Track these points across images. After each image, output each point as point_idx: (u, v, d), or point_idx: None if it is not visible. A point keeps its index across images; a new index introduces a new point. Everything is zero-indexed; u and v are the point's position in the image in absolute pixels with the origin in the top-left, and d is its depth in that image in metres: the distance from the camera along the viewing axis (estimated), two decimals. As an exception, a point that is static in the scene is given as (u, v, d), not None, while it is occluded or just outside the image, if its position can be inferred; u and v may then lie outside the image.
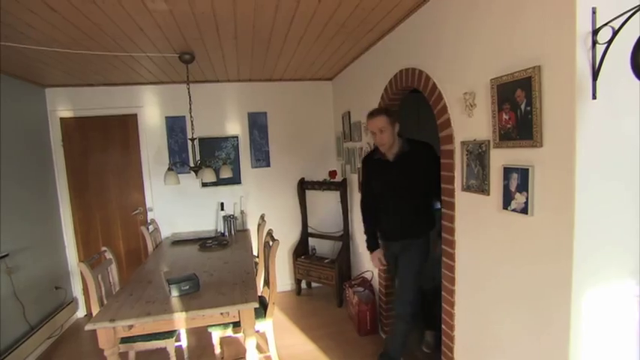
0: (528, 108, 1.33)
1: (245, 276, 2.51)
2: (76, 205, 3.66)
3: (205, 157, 3.79)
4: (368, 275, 3.21)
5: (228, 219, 3.71)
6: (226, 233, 3.68)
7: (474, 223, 1.72)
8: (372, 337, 2.98)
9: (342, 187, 3.63)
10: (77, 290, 3.73)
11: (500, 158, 1.51)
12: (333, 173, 3.75)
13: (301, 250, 4.00)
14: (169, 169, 3.02)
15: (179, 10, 1.89)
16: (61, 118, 3.54)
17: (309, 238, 4.10)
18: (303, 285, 4.06)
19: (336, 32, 2.39)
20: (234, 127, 3.93)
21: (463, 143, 1.74)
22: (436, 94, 1.91)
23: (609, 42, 1.08)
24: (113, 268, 2.60)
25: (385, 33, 2.44)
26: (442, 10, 1.85)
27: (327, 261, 3.73)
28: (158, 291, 2.28)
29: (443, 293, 2.01)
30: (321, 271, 3.68)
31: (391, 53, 2.46)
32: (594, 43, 1.14)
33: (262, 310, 2.52)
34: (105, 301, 2.30)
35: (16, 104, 3.10)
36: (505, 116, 1.46)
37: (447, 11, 1.81)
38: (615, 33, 1.06)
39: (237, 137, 3.94)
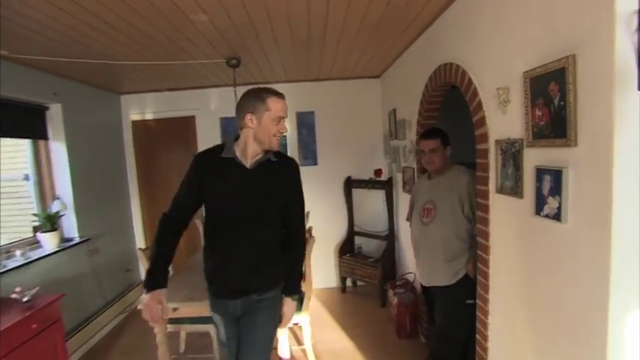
0: (562, 103, 1.21)
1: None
2: (144, 197, 4.10)
3: (256, 155, 3.99)
4: (410, 277, 3.13)
5: (276, 215, 3.87)
6: (275, 228, 3.83)
7: (508, 228, 1.60)
8: (411, 341, 2.90)
9: (387, 186, 3.58)
10: (144, 273, 4.20)
11: (533, 158, 1.39)
12: (378, 172, 3.71)
13: (347, 248, 4.02)
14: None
15: (218, 20, 2.03)
16: (133, 121, 4.01)
17: (355, 237, 4.10)
18: (349, 283, 4.08)
19: (372, 31, 2.37)
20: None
21: (497, 142, 1.63)
22: (472, 89, 1.80)
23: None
24: (169, 256, 2.87)
25: (425, 28, 2.36)
26: (475, 2, 1.74)
27: (371, 260, 3.70)
28: (202, 281, 2.48)
29: (477, 301, 1.90)
30: (364, 269, 3.67)
31: (431, 48, 2.37)
32: (640, 24, 1.00)
33: (299, 303, 2.60)
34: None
35: (100, 110, 3.63)
36: (538, 112, 1.33)
37: (479, 2, 1.70)
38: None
39: (285, 136, 4.08)
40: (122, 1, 1.73)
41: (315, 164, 4.13)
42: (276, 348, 2.35)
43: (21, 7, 1.71)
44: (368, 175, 3.89)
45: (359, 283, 4.08)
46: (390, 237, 3.67)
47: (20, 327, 1.97)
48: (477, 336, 1.93)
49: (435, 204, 2.13)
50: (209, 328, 2.53)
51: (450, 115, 2.72)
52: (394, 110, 3.37)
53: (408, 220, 2.46)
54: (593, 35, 1.08)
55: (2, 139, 2.81)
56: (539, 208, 1.36)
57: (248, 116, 1.51)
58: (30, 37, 2.11)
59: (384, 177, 3.68)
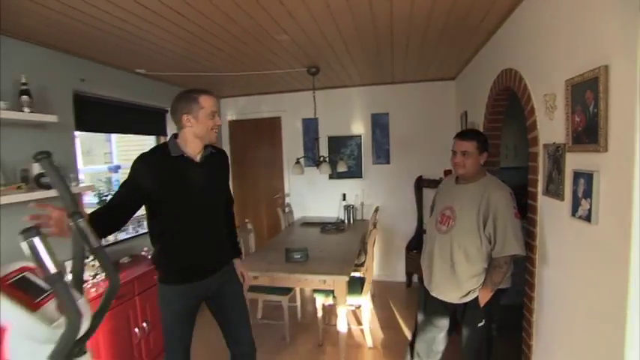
0: (595, 110, 1.28)
1: (347, 256, 2.92)
2: (236, 186, 4.78)
3: (332, 153, 4.36)
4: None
5: (348, 208, 4.19)
6: (345, 221, 4.16)
7: (551, 228, 1.67)
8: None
9: (456, 186, 3.62)
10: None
11: (572, 162, 1.46)
12: (447, 172, 3.76)
13: (414, 245, 4.14)
14: (296, 162, 3.69)
15: (297, 38, 2.41)
16: (229, 121, 4.70)
17: (424, 235, 4.19)
18: (414, 279, 4.20)
19: (437, 39, 2.52)
20: (359, 127, 4.36)
21: (545, 146, 1.69)
22: (526, 95, 1.87)
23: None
24: (252, 237, 3.41)
25: (490, 34, 2.42)
26: (533, 9, 1.81)
27: (436, 258, 3.78)
28: (279, 257, 2.91)
29: (524, 299, 1.96)
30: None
31: (495, 54, 2.42)
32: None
33: (360, 287, 2.89)
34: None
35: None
36: (577, 119, 1.41)
37: (537, 10, 1.77)
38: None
39: (360, 136, 4.37)
40: (223, 29, 2.21)
41: (388, 163, 4.33)
42: (335, 324, 2.66)
43: (155, 40, 2.30)
44: (438, 175, 3.96)
45: (414, 280, 4.17)
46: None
47: (146, 276, 2.63)
48: (523, 333, 1.98)
49: (454, 213, 1.94)
50: (281, 298, 2.98)
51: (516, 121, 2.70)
52: (465, 112, 3.41)
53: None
54: (623, 47, 1.15)
55: (135, 135, 3.65)
56: (574, 209, 1.43)
57: (185, 117, 1.65)
58: (158, 59, 2.76)
59: (453, 178, 3.72)
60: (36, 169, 2.23)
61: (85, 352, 0.99)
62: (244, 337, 1.95)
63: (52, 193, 2.20)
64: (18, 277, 0.85)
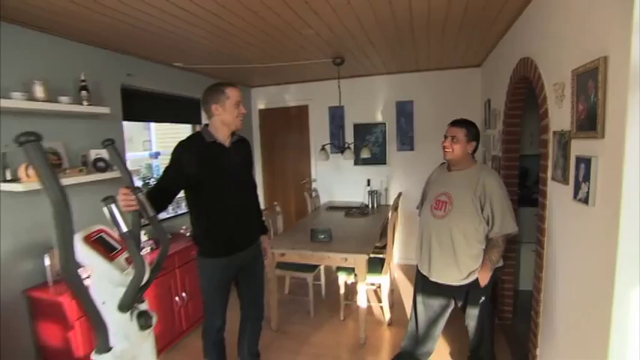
0: (595, 99, 1.37)
1: (369, 238, 3.10)
2: (266, 171, 5.05)
3: (358, 140, 4.50)
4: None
5: (372, 194, 4.34)
6: (369, 205, 4.32)
7: (557, 211, 1.76)
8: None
9: (478, 173, 3.67)
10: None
11: (575, 149, 1.55)
12: (470, 159, 3.80)
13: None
14: (322, 148, 3.87)
15: (322, 32, 2.56)
16: (259, 109, 4.94)
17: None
18: (436, 263, 4.31)
19: (457, 29, 2.58)
20: (384, 114, 4.47)
21: (554, 133, 1.77)
22: (540, 84, 1.93)
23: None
24: (280, 218, 3.65)
25: (510, 23, 2.46)
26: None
27: (457, 243, 3.87)
28: (305, 237, 3.13)
29: (533, 279, 2.06)
30: (450, 251, 3.87)
31: (515, 42, 2.46)
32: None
33: (380, 267, 3.06)
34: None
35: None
36: (580, 107, 1.49)
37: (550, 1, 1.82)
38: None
39: (385, 124, 4.47)
40: (253, 26, 2.39)
41: (412, 150, 4.42)
42: (356, 301, 2.85)
43: (192, 37, 2.53)
44: (461, 162, 4.01)
45: None
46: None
47: (185, 251, 2.94)
48: (532, 312, 2.09)
49: (450, 198, 2.04)
50: (306, 275, 3.21)
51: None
52: (489, 100, 3.43)
53: (418, 208, 2.37)
54: (621, 39, 1.23)
55: (172, 123, 3.95)
56: (575, 193, 1.52)
57: (214, 106, 1.88)
58: (194, 53, 3.00)
59: (475, 164, 3.77)
60: (93, 154, 2.56)
61: (143, 301, 1.24)
62: (258, 304, 2.25)
63: (106, 175, 2.52)
64: (98, 236, 1.10)
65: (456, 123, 2.10)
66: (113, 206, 1.04)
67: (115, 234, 1.15)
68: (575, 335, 1.57)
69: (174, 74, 3.55)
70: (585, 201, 1.43)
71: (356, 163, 4.62)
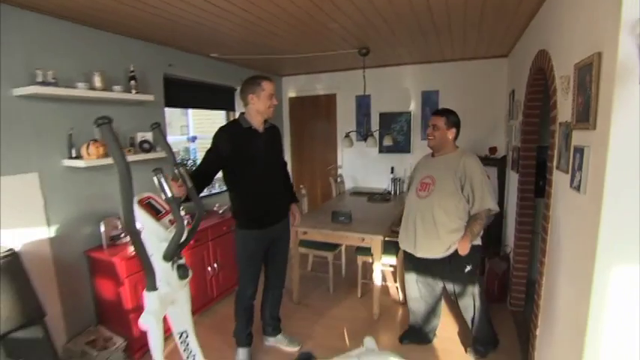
0: (589, 92, 1.46)
1: (387, 221, 3.27)
2: (294, 157, 5.30)
3: (383, 129, 4.63)
4: (507, 249, 3.33)
5: (395, 181, 4.48)
6: (392, 192, 4.46)
7: (559, 198, 1.86)
8: (497, 305, 3.16)
9: (500, 163, 3.72)
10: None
11: (575, 139, 1.64)
12: (493, 149, 3.85)
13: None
14: (346, 135, 4.05)
15: (346, 24, 2.71)
16: (289, 97, 5.17)
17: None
18: (456, 251, 4.40)
19: (479, 19, 2.64)
20: (409, 104, 4.55)
21: (560, 124, 1.85)
22: (552, 76, 2.00)
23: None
24: (305, 200, 3.89)
25: (533, 14, 2.49)
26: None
27: (476, 231, 3.95)
28: (327, 218, 3.35)
29: (537, 264, 2.17)
30: (469, 239, 3.96)
31: (534, 34, 2.50)
32: (646, 30, 1.22)
33: (395, 250, 3.23)
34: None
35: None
36: (580, 100, 1.58)
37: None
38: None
39: (410, 113, 4.56)
40: (282, 20, 2.59)
41: (436, 139, 4.48)
42: (372, 278, 3.05)
43: (226, 31, 2.77)
44: (484, 152, 4.05)
45: None
46: (499, 214, 3.82)
47: (217, 226, 3.25)
48: (535, 296, 2.20)
49: (433, 179, 2.23)
50: (327, 254, 3.45)
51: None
52: (513, 91, 3.45)
53: (404, 192, 2.54)
54: (612, 36, 1.32)
55: (207, 110, 4.26)
56: (572, 181, 1.62)
57: (250, 96, 2.14)
58: (228, 44, 3.25)
59: (498, 154, 3.81)
60: (139, 137, 2.89)
61: (182, 257, 1.51)
62: (281, 274, 2.55)
63: (150, 155, 2.85)
64: (147, 201, 1.37)
65: (436, 112, 2.35)
66: (161, 176, 1.31)
67: (161, 200, 1.41)
68: (568, 315, 1.69)
69: (210, 64, 3.83)
70: (578, 188, 1.54)
71: (380, 151, 4.75)
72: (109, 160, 2.50)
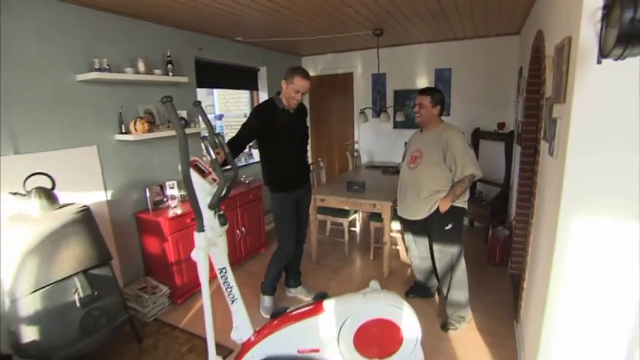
0: (562, 71, 1.70)
1: (396, 190, 3.58)
2: (314, 134, 5.61)
3: (397, 106, 4.86)
4: (511, 218, 3.58)
5: (408, 156, 4.74)
6: (405, 166, 4.74)
7: (543, 164, 2.11)
8: (498, 269, 3.47)
9: (508, 138, 3.91)
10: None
11: (554, 112, 1.88)
12: (501, 125, 4.03)
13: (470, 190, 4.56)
14: (361, 112, 4.32)
15: (360, 9, 2.96)
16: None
17: (477, 183, 4.57)
18: (466, 222, 4.68)
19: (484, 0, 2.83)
20: (422, 81, 4.74)
21: (547, 99, 2.09)
22: (544, 55, 2.22)
23: (604, 17, 1.39)
24: (323, 172, 4.24)
25: (533, -5, 2.66)
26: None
27: (483, 203, 4.21)
28: (342, 187, 3.69)
29: (526, 226, 2.44)
30: (477, 210, 4.22)
31: (536, 15, 2.67)
32: (603, 17, 1.44)
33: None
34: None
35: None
36: (557, 78, 1.81)
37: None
38: (605, 7, 1.36)
39: (424, 90, 4.75)
40: (301, 7, 2.86)
41: (448, 115, 4.67)
42: (386, 243, 3.40)
43: (250, 17, 3.06)
44: (493, 127, 4.23)
45: (475, 224, 4.63)
46: (505, 185, 4.05)
47: (244, 195, 3.66)
48: (524, 252, 2.49)
49: (421, 153, 2.52)
50: (343, 220, 3.81)
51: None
52: (521, 68, 3.60)
53: (399, 167, 2.78)
54: (576, 22, 1.55)
55: (233, 90, 4.60)
56: (550, 148, 1.88)
57: (284, 82, 2.50)
58: (252, 29, 3.54)
59: (506, 130, 4.00)
60: (182, 114, 3.29)
61: (221, 210, 1.89)
62: (304, 230, 2.96)
63: (187, 130, 3.23)
64: (195, 163, 1.75)
65: (422, 92, 2.55)
66: (207, 143, 1.67)
67: (204, 163, 1.79)
68: (542, 264, 1.98)
69: (236, 47, 4.15)
70: (552, 154, 1.80)
71: (395, 126, 5.00)
72: (152, 135, 2.92)
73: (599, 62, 1.46)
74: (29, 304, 1.95)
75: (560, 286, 1.68)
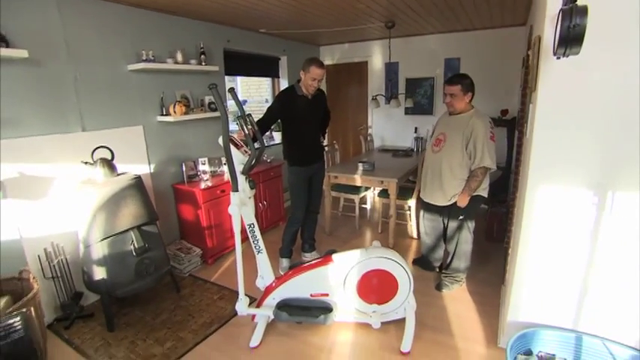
0: (534, 64, 2.02)
1: (404, 170, 3.95)
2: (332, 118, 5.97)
3: (409, 92, 5.17)
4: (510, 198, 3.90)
5: (418, 139, 5.07)
6: (414, 149, 5.06)
7: (525, 144, 2.44)
8: (494, 244, 3.78)
9: (510, 124, 4.19)
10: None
11: (532, 98, 2.20)
12: (504, 112, 4.30)
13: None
14: (373, 98, 4.66)
15: (371, 3, 3.29)
16: (326, 65, 5.76)
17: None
18: (470, 202, 4.98)
19: (484, -3, 3.11)
20: (432, 70, 5.02)
21: (529, 88, 2.40)
22: (532, 48, 2.51)
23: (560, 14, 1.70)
24: (337, 154, 4.64)
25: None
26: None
27: (486, 184, 4.51)
28: (354, 167, 4.08)
29: (518, 193, 2.78)
30: (480, 191, 4.53)
31: (536, 5, 2.93)
32: (564, 14, 1.75)
33: (410, 193, 3.92)
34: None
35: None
36: (533, 70, 2.13)
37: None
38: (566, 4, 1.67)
39: (433, 78, 5.04)
40: (317, 4, 3.22)
41: (457, 102, 4.96)
42: (392, 216, 3.78)
43: (272, 12, 3.43)
44: (496, 114, 4.50)
45: None
46: (507, 168, 4.33)
47: (266, 172, 4.11)
48: (510, 223, 2.83)
49: (445, 136, 2.57)
50: (354, 197, 4.21)
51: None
52: (524, 58, 3.85)
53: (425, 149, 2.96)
54: (542, 22, 1.86)
55: (256, 77, 5.00)
56: (526, 129, 2.21)
57: (302, 72, 2.86)
58: (274, 21, 3.92)
59: (509, 116, 4.27)
60: (207, 100, 3.73)
61: (250, 177, 2.32)
62: (318, 201, 3.36)
63: (216, 114, 3.68)
64: (231, 138, 2.18)
65: (450, 81, 2.56)
66: (241, 120, 2.11)
67: (237, 139, 2.23)
68: (517, 226, 2.33)
69: (259, 38, 4.54)
70: (525, 133, 2.14)
71: (406, 112, 5.32)
72: (188, 117, 3.38)
73: (558, 58, 1.79)
74: (99, 250, 2.45)
75: (528, 241, 2.05)
